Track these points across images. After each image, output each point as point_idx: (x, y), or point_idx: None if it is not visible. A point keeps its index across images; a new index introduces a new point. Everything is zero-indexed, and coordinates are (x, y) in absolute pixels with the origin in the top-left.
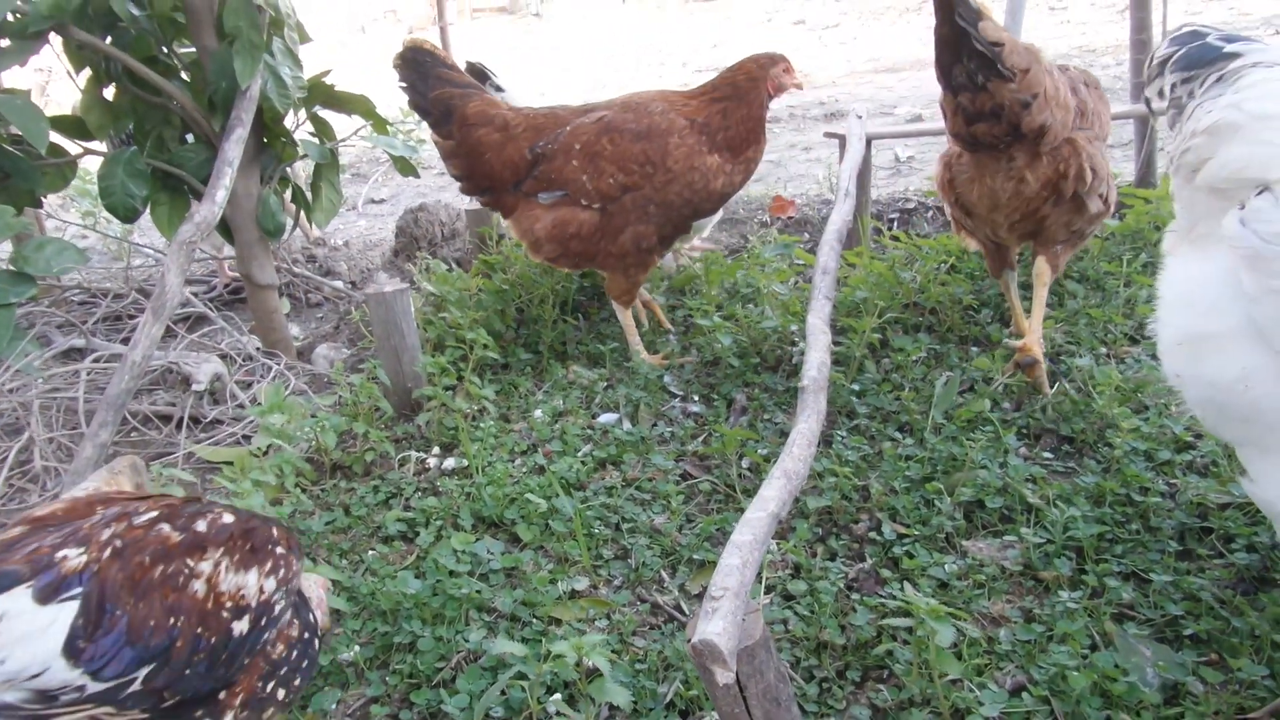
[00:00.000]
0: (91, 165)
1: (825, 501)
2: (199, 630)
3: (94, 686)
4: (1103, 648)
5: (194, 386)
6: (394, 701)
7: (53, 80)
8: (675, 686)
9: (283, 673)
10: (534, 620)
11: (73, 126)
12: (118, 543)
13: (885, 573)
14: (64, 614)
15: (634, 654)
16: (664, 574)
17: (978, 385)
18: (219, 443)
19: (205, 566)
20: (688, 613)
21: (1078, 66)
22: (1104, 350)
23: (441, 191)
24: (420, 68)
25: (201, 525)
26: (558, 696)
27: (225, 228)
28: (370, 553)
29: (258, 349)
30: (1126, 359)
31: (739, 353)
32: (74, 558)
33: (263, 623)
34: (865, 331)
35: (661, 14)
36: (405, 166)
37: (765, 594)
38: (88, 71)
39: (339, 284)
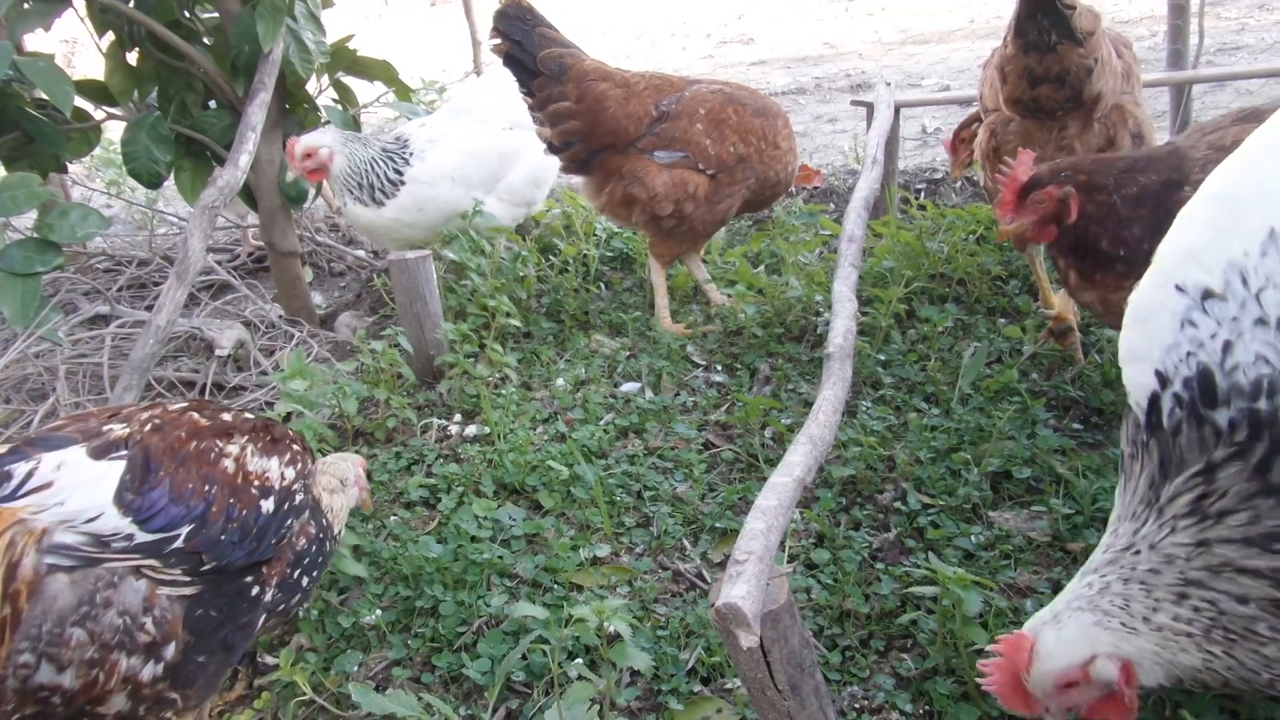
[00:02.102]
0: (115, 134)
1: (850, 471)
2: (231, 500)
3: (141, 536)
4: None
5: (217, 352)
6: (416, 664)
7: (78, 50)
8: (697, 653)
9: (305, 562)
10: (555, 586)
11: (96, 91)
12: (156, 421)
13: (910, 543)
14: (114, 469)
15: (655, 620)
16: (686, 542)
17: (1005, 356)
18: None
19: (233, 448)
20: (709, 580)
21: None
22: None
23: None
24: (524, 24)
25: (227, 416)
26: (579, 661)
27: (248, 194)
28: (392, 518)
29: (280, 316)
30: None
31: (763, 322)
32: (119, 430)
33: (286, 507)
34: (891, 301)
35: None
36: None
37: (788, 562)
38: (110, 36)
39: (361, 253)
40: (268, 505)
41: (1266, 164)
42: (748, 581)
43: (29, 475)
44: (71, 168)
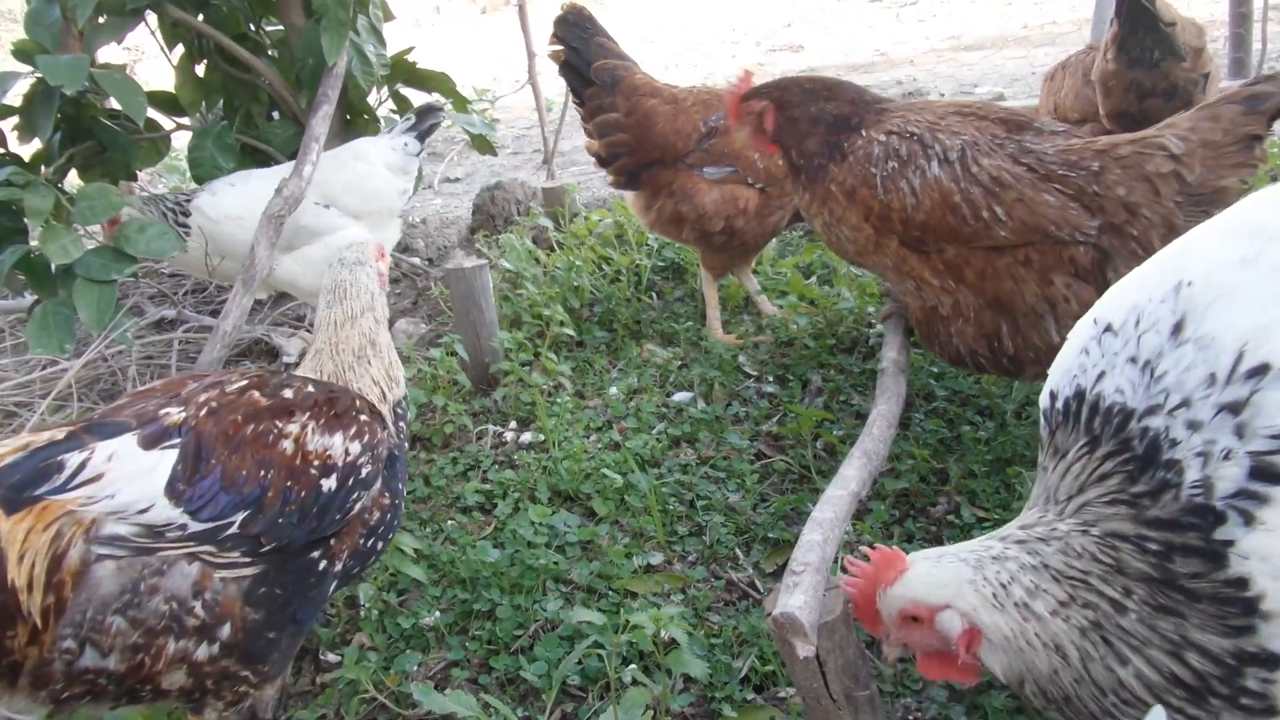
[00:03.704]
0: (180, 143)
1: (903, 484)
2: (289, 483)
3: (194, 525)
4: None
5: (283, 359)
6: (474, 666)
7: (142, 59)
8: (750, 661)
9: (380, 530)
10: (610, 592)
11: (166, 102)
12: (213, 404)
13: None
14: (166, 459)
15: (709, 629)
16: (738, 551)
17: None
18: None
19: (293, 428)
20: (762, 590)
21: None
22: None
23: (516, 170)
24: (582, 33)
25: (288, 393)
26: (633, 666)
27: None
28: (449, 522)
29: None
30: None
31: (814, 333)
32: (175, 414)
33: (350, 483)
34: None
35: None
36: (483, 144)
37: (842, 573)
38: (180, 49)
39: (417, 260)
40: (329, 484)
41: (1202, 229)
42: (805, 592)
43: (81, 466)
44: (139, 175)
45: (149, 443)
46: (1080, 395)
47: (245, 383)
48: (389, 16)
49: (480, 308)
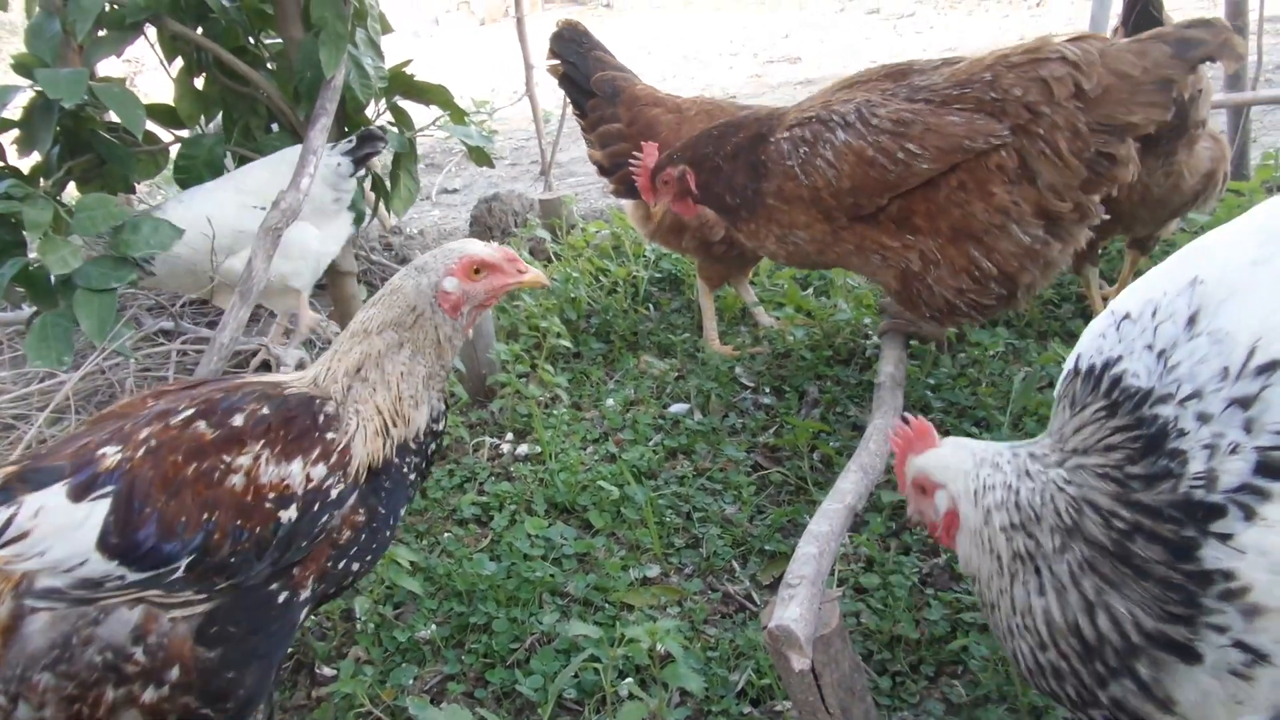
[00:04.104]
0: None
1: (899, 495)
2: (238, 522)
3: (134, 575)
4: None
5: (281, 370)
6: (470, 680)
7: (141, 71)
8: (747, 675)
9: (353, 552)
10: (606, 605)
11: (165, 115)
12: (153, 442)
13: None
14: (97, 511)
15: (705, 642)
16: (735, 564)
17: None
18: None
19: (244, 460)
20: (759, 603)
21: None
22: None
23: (514, 182)
24: (578, 47)
25: (238, 420)
26: (630, 680)
27: None
28: (446, 535)
29: (336, 333)
30: None
31: (811, 345)
32: (110, 457)
33: (316, 508)
34: None
35: (734, 4)
36: (481, 156)
37: (838, 586)
38: (180, 62)
39: None
40: (289, 514)
41: (1217, 232)
42: (800, 605)
43: (7, 524)
44: (137, 187)
45: (78, 494)
46: (1107, 364)
47: (192, 411)
48: (387, 29)
49: None
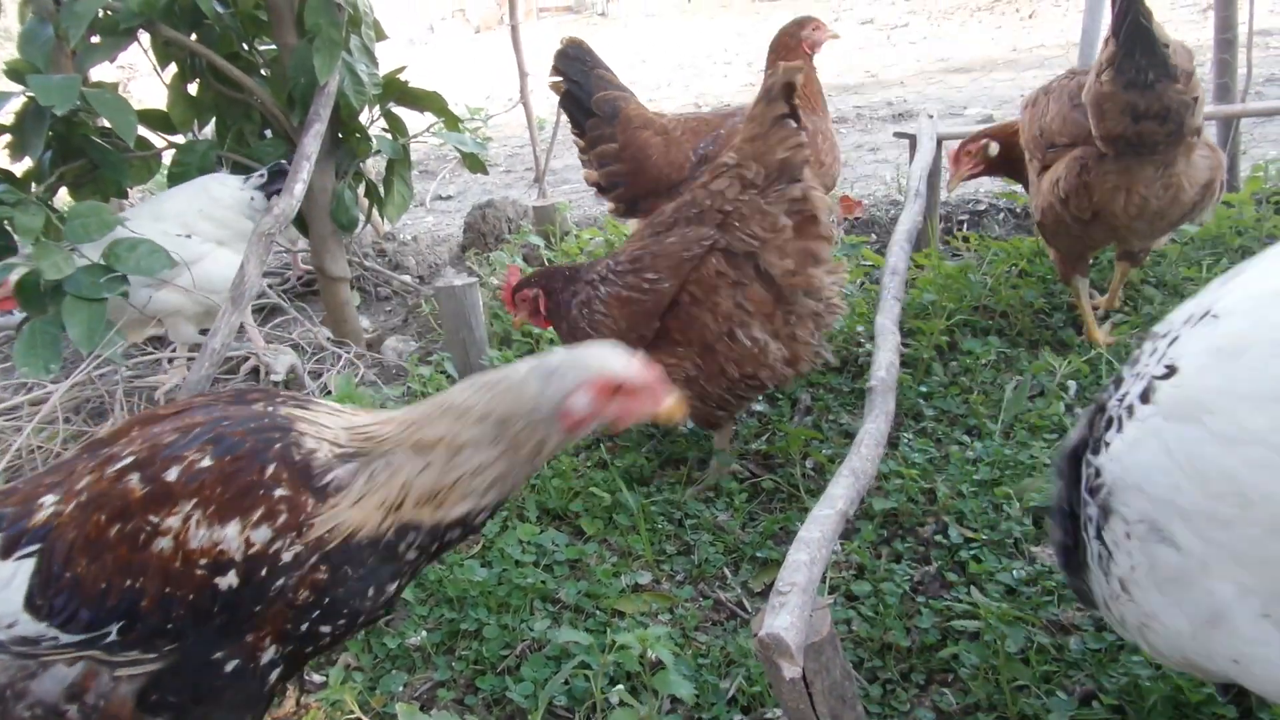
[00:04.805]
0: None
1: (891, 504)
2: (167, 590)
3: (66, 638)
4: None
5: (271, 377)
6: (460, 687)
7: (135, 77)
8: (738, 682)
9: (315, 616)
10: (597, 612)
11: (158, 120)
12: (84, 496)
13: (951, 576)
14: (23, 570)
15: (696, 649)
16: (727, 571)
17: (1049, 389)
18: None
19: (172, 522)
20: (750, 610)
21: None
22: None
23: (508, 188)
24: (583, 65)
25: (173, 474)
26: (620, 687)
27: (300, 221)
28: None
29: (328, 339)
30: None
31: None
32: (47, 507)
33: (264, 573)
34: (934, 334)
35: (727, 13)
36: (475, 163)
37: (829, 594)
38: (173, 68)
39: (408, 278)
40: (228, 581)
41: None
42: (791, 612)
43: None
44: (130, 192)
45: (6, 550)
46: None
47: (131, 460)
48: (381, 36)
49: (470, 326)
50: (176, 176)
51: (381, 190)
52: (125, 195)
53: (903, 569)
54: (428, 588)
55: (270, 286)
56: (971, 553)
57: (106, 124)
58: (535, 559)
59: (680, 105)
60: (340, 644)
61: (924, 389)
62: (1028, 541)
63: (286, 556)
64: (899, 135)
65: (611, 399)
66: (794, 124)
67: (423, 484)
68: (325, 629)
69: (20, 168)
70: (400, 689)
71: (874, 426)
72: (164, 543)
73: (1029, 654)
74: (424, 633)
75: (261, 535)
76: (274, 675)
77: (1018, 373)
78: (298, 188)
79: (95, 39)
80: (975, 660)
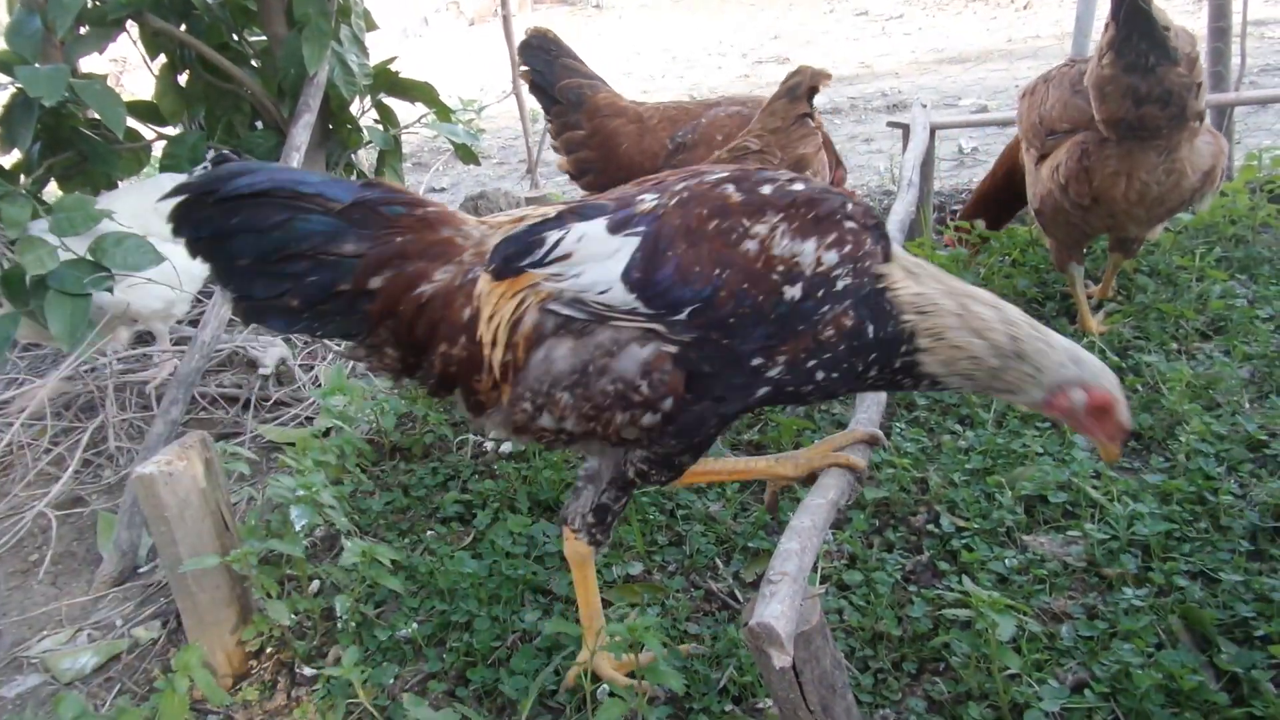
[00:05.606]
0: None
1: (883, 493)
2: (744, 285)
3: (645, 310)
4: (1169, 646)
5: (261, 370)
6: (451, 678)
7: (127, 70)
8: (729, 672)
9: (825, 358)
10: None
11: (147, 112)
12: (685, 194)
13: (943, 565)
14: (627, 246)
15: (688, 639)
16: (718, 561)
17: None
18: (283, 423)
19: (760, 228)
20: (741, 600)
21: None
22: (1174, 346)
23: (501, 180)
24: (546, 55)
25: (766, 189)
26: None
27: None
28: (429, 533)
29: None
30: (1198, 355)
31: None
32: (647, 201)
33: (819, 294)
34: None
35: (722, 5)
36: (467, 154)
37: (820, 583)
38: (163, 59)
39: None
40: (793, 292)
41: None
42: (781, 601)
43: (556, 244)
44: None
45: (615, 228)
46: None
47: (725, 174)
48: (372, 26)
49: None
50: (168, 168)
51: None
52: (115, 187)
53: (894, 558)
54: (419, 580)
55: None
56: (963, 541)
57: (96, 116)
58: (526, 550)
59: (674, 96)
60: (778, 405)
61: None
62: (1019, 530)
63: (838, 285)
64: (892, 125)
65: (1093, 412)
66: (812, 123)
67: (944, 321)
68: (819, 377)
69: (9, 160)
70: (391, 681)
71: (866, 416)
72: (751, 245)
73: (1020, 642)
74: (415, 625)
75: (830, 258)
76: (761, 392)
77: None
78: None
79: (83, 30)
80: (967, 649)
